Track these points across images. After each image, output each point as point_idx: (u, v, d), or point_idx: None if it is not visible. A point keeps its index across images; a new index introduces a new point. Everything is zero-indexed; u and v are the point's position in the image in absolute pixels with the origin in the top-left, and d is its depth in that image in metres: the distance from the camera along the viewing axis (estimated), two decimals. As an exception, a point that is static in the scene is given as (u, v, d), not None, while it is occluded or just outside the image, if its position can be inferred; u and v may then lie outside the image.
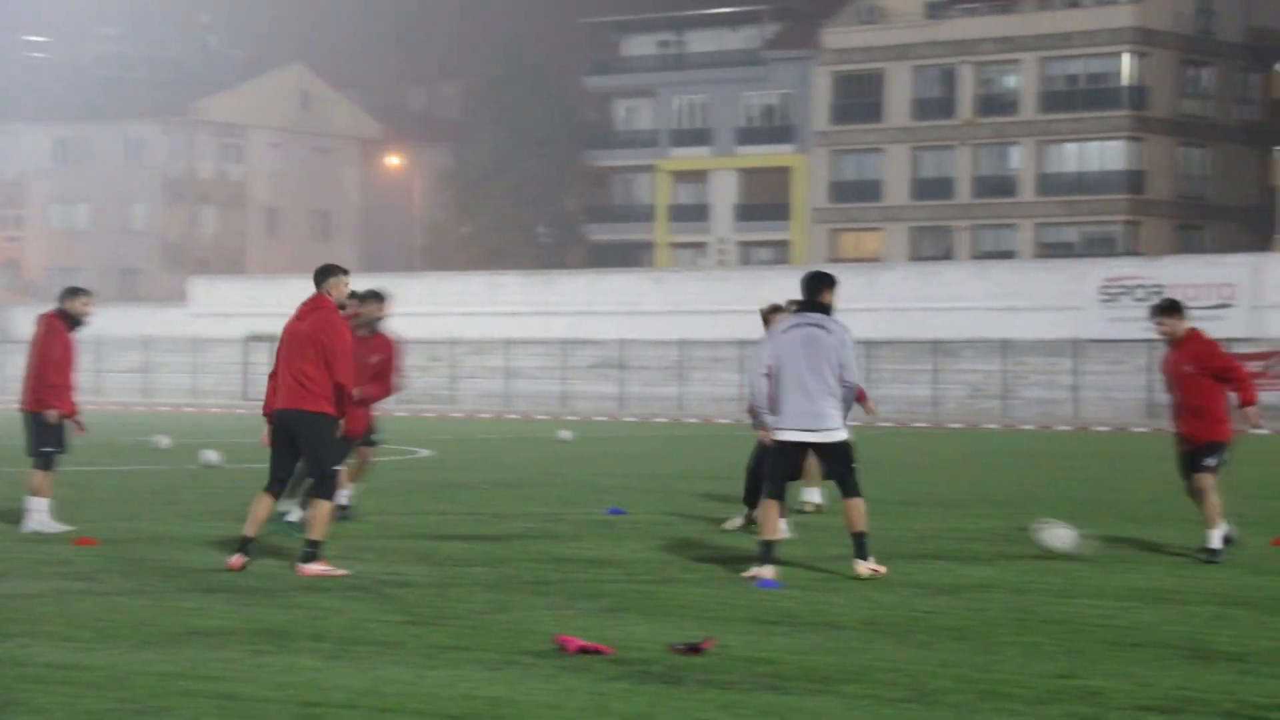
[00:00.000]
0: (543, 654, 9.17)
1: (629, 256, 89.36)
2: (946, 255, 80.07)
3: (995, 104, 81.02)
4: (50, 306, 16.05)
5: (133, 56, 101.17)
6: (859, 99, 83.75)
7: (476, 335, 69.13)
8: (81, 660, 8.92)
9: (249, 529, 12.84)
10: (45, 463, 15.52)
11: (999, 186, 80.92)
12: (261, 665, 8.81)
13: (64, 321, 15.60)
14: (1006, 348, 58.62)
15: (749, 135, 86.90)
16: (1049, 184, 79.96)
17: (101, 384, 71.22)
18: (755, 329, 59.14)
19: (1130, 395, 57.06)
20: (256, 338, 71.48)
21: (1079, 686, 8.39)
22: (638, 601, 11.28)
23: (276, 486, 12.93)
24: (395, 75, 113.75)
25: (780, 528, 13.17)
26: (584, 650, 9.18)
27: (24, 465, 16.01)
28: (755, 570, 12.36)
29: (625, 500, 19.38)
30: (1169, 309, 14.34)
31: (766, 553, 12.43)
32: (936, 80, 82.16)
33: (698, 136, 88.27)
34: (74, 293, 15.70)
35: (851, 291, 63.95)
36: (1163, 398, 61.40)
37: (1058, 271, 61.73)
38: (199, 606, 10.89)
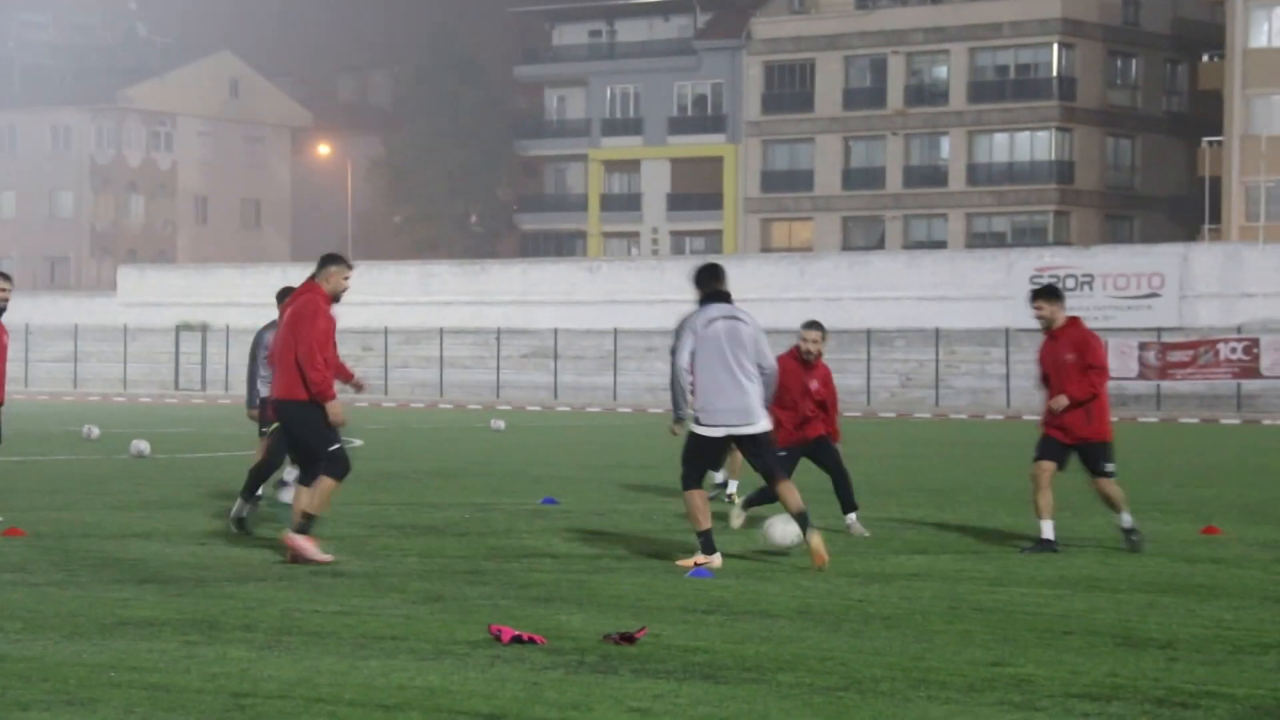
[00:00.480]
0: (477, 644, 9.15)
1: (561, 246, 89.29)
2: (878, 245, 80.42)
3: (925, 94, 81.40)
4: None
5: (59, 44, 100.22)
6: (790, 89, 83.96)
7: (409, 324, 68.90)
8: (10, 652, 8.83)
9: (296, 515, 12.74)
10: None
11: (930, 176, 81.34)
12: (193, 656, 8.76)
13: None
14: (939, 337, 58.93)
15: (680, 125, 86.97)
16: (979, 174, 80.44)
17: (30, 373, 70.55)
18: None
19: (1059, 384, 57.49)
20: (187, 327, 70.99)
21: (1010, 674, 8.44)
22: (571, 591, 11.28)
23: (306, 476, 12.84)
24: (325, 63, 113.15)
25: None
26: (518, 640, 9.17)
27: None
28: (702, 559, 12.29)
29: (559, 490, 19.38)
30: (1048, 294, 13.98)
31: (709, 541, 12.39)
32: (867, 70, 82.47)
33: (629, 126, 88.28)
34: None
35: (784, 281, 64.46)
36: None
37: (989, 261, 62.11)
38: (129, 597, 10.80)
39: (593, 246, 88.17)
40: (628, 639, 9.21)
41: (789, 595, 11.15)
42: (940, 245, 77.96)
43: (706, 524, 12.42)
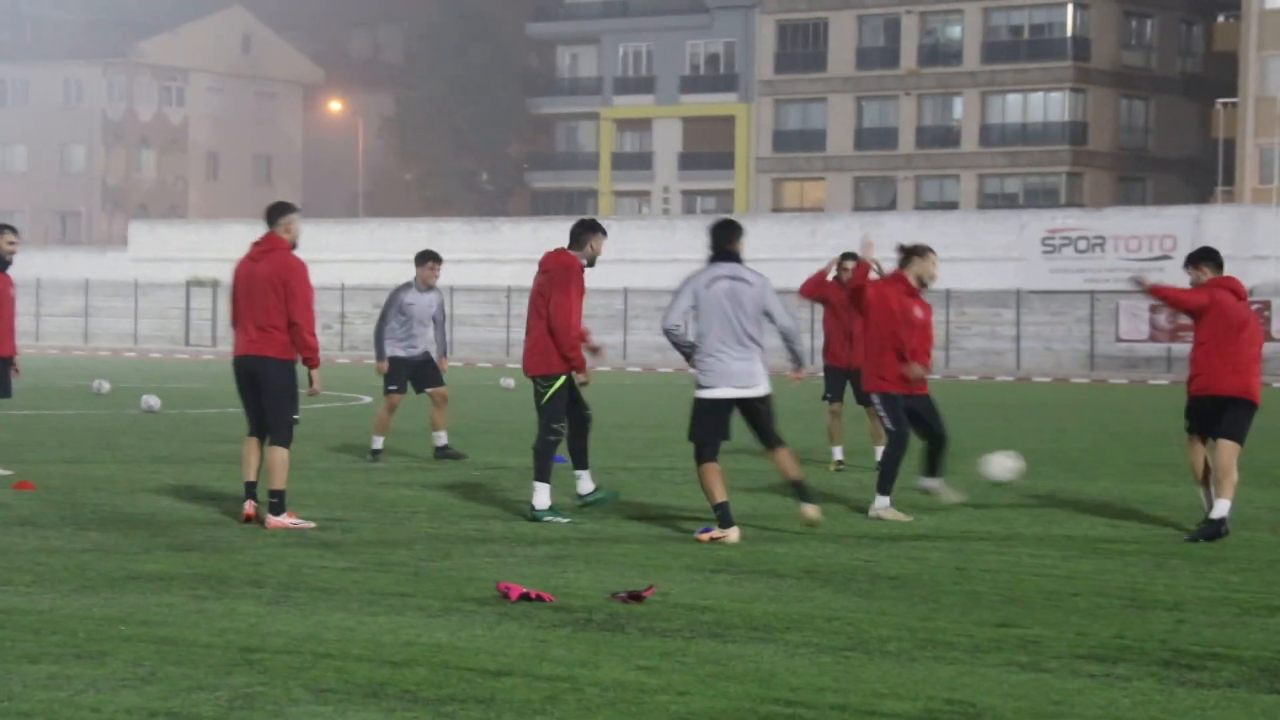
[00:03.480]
0: (485, 601, 9.18)
1: (572, 204, 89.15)
2: (890, 205, 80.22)
3: (939, 54, 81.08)
4: None
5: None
6: (802, 48, 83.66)
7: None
8: (20, 604, 8.87)
9: (249, 474, 12.60)
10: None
11: (942, 137, 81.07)
12: (202, 610, 8.79)
13: None
14: (949, 298, 58.86)
15: (692, 84, 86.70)
16: (992, 135, 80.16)
17: (41, 328, 70.64)
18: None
19: (1071, 346, 57.41)
20: (197, 282, 71.01)
21: (1018, 636, 8.46)
22: (579, 549, 11.30)
23: (259, 430, 12.68)
24: (336, 19, 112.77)
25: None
26: (526, 597, 9.19)
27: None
28: (719, 533, 11.89)
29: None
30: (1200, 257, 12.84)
31: (725, 515, 11.96)
32: (880, 30, 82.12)
33: (641, 85, 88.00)
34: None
35: (795, 241, 64.32)
36: (1107, 348, 60.99)
37: (1000, 222, 61.97)
38: (139, 551, 10.83)
39: (604, 205, 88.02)
40: (635, 597, 9.23)
41: (796, 555, 11.16)
42: (952, 206, 77.75)
43: (721, 497, 12.02)
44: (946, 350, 58.19)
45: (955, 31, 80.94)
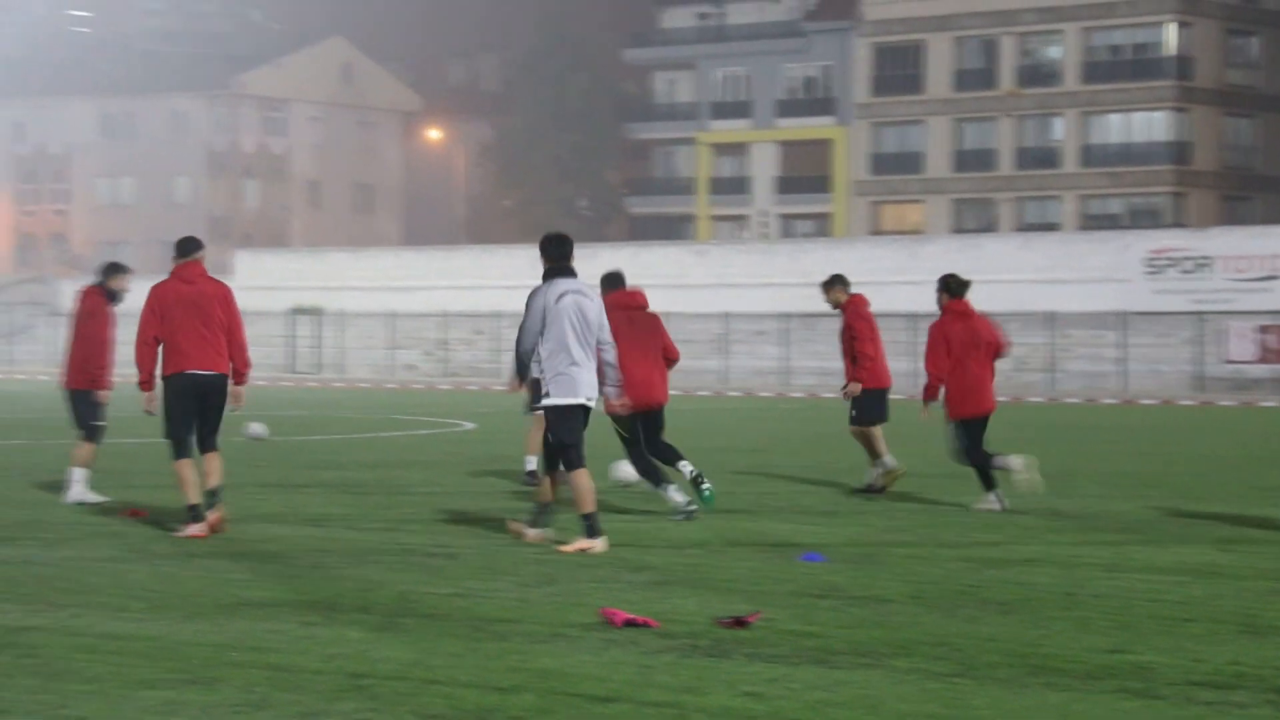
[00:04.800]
0: (590, 627, 9.18)
1: (670, 229, 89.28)
2: (989, 227, 79.73)
3: (1038, 75, 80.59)
4: (90, 281, 16.11)
5: (176, 30, 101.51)
6: (900, 70, 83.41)
7: (520, 308, 69.00)
8: (134, 631, 8.97)
9: (192, 496, 13.11)
10: (93, 435, 15.65)
11: (1042, 158, 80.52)
12: (310, 637, 8.85)
13: (106, 298, 15.65)
14: (1051, 320, 58.37)
15: (789, 107, 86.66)
16: (1093, 155, 79.51)
17: (146, 357, 71.47)
18: (799, 302, 58.78)
19: (1178, 368, 56.75)
20: (301, 310, 71.70)
21: (1130, 662, 8.35)
22: (684, 575, 11.28)
23: (187, 449, 13.26)
24: (435, 48, 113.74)
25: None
26: (631, 623, 9.18)
27: (69, 438, 16.09)
28: (586, 543, 12.27)
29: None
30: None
31: (591, 526, 12.39)
32: (978, 51, 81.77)
33: (738, 109, 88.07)
34: (116, 269, 15.76)
35: (893, 264, 64.03)
36: (1215, 369, 60.26)
37: (1103, 243, 61.39)
38: (248, 578, 10.93)
39: (702, 230, 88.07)
40: (740, 623, 9.20)
41: (902, 580, 11.09)
42: (1053, 227, 77.16)
43: (589, 507, 12.44)
44: (1051, 373, 57.69)
45: (1055, 52, 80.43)
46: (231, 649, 8.49)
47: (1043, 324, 58.73)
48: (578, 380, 12.52)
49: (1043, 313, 58.95)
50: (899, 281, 61.78)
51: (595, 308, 12.64)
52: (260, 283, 75.80)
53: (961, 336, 15.31)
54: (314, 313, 71.44)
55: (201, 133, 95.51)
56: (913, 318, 59.28)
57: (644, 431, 14.85)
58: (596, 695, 7.50)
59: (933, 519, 14.64)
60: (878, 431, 17.05)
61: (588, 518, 12.44)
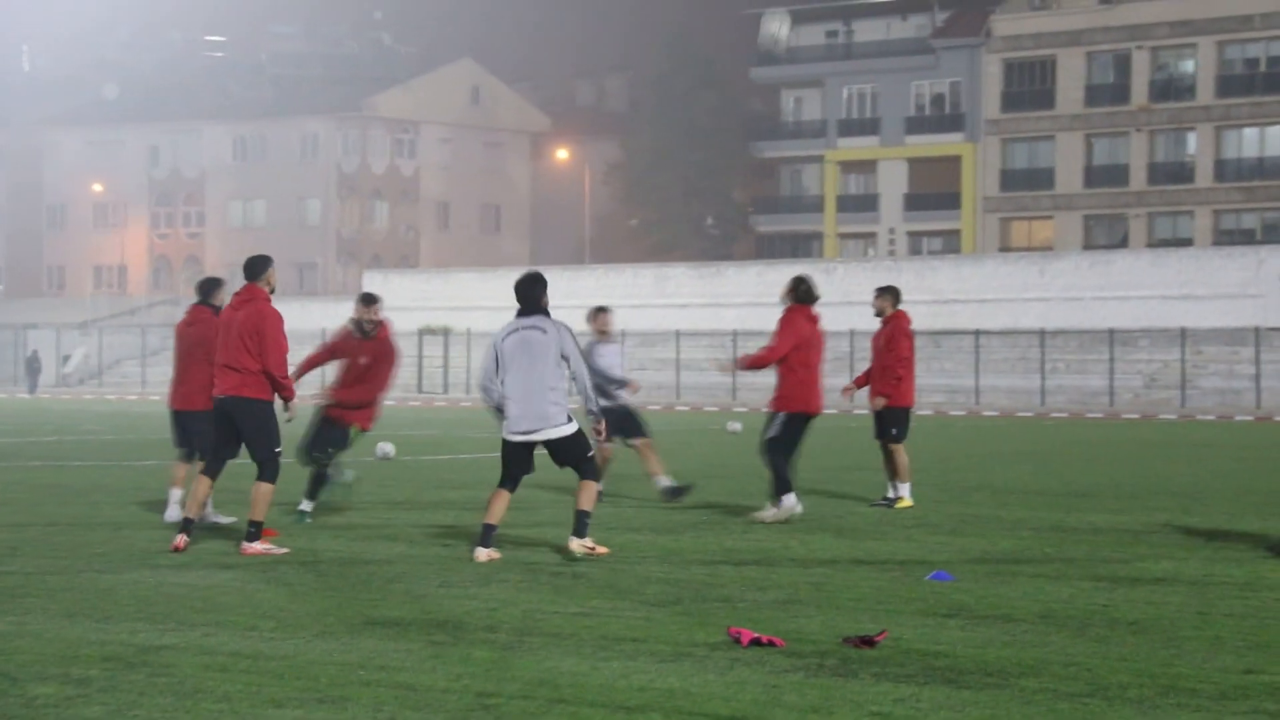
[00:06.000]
0: (716, 646, 9.17)
1: (797, 247, 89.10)
2: (1121, 243, 78.81)
3: (1171, 89, 79.60)
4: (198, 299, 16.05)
5: (308, 54, 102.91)
6: (1030, 86, 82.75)
7: (646, 327, 69.31)
8: (265, 650, 9.08)
9: (190, 510, 13.55)
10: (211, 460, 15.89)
11: (1175, 173, 79.50)
12: (438, 656, 8.91)
13: (215, 315, 15.63)
14: (1184, 337, 57.58)
15: (918, 124, 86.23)
16: (1227, 170, 78.38)
17: (278, 377, 72.40)
18: (927, 319, 58.59)
19: (1313, 384, 55.76)
20: (429, 331, 72.33)
21: (1265, 682, 8.21)
22: (810, 593, 11.24)
23: (216, 467, 13.66)
24: (563, 69, 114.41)
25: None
26: (757, 642, 9.17)
27: (189, 458, 16.29)
28: (484, 553, 12.75)
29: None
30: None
31: (486, 536, 12.87)
32: (1110, 66, 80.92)
33: (866, 126, 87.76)
34: (217, 284, 15.92)
35: (1023, 281, 63.52)
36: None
37: (1237, 259, 60.50)
38: (376, 598, 11.03)
39: (829, 247, 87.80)
40: (867, 642, 9.16)
41: (1031, 599, 10.98)
42: (1186, 243, 76.12)
43: (492, 520, 12.91)
44: (1183, 390, 56.89)
45: (1188, 66, 79.40)
46: (360, 668, 8.57)
47: (1175, 340, 57.94)
48: (510, 415, 12.96)
49: (1175, 329, 58.16)
50: (1029, 298, 61.22)
51: (545, 341, 12.89)
52: (389, 303, 76.45)
53: (809, 337, 15.87)
54: (442, 333, 72.02)
55: (332, 155, 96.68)
56: (1041, 334, 58.71)
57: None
58: (722, 715, 7.49)
59: (1060, 537, 14.49)
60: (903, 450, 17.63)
61: (486, 527, 12.85)
